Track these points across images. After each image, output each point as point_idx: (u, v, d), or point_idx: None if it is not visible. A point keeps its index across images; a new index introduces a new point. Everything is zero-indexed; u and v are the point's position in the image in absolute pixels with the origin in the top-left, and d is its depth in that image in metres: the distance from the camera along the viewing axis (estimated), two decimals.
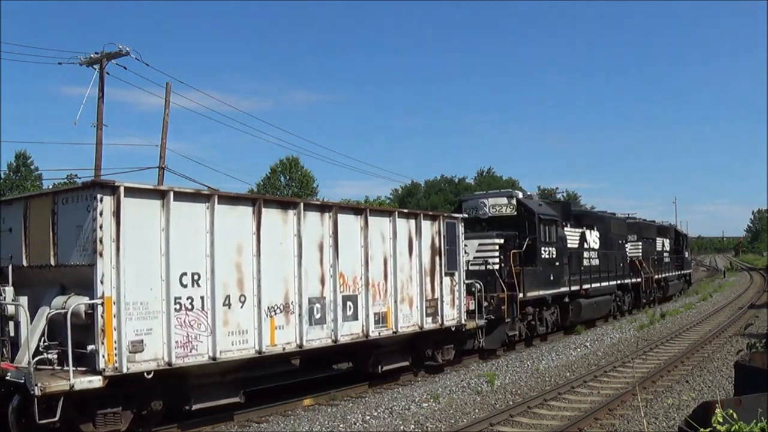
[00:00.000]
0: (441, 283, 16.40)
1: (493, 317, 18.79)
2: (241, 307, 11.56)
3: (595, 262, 26.96)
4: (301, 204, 13.00)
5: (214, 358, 10.94)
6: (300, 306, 12.58)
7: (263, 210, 12.04)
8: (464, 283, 17.38)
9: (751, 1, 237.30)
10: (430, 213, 17.01)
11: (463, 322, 17.23)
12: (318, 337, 13.06)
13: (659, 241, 38.02)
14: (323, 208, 13.65)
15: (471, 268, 19.07)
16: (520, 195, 22.33)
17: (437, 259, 16.35)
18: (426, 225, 16.07)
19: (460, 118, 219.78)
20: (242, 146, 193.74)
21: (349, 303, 13.81)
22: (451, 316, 16.84)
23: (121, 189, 9.90)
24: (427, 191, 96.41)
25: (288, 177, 69.69)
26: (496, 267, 19.64)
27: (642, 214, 47.36)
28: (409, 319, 15.39)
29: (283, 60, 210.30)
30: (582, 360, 18.35)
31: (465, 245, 18.69)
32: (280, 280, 12.34)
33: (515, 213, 21.62)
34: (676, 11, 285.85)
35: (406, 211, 16.53)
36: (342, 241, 13.64)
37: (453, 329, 17.00)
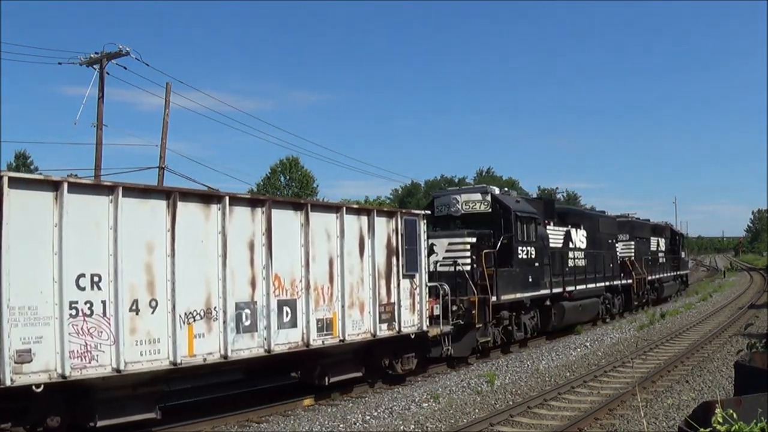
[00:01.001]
0: (398, 286, 14.89)
1: (462, 323, 17.24)
2: (152, 313, 10.27)
3: (582, 262, 25.34)
4: (227, 198, 11.51)
5: (118, 370, 9.73)
6: (225, 312, 11.20)
7: (180, 204, 10.73)
8: (427, 285, 15.84)
9: (751, 2, 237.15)
10: (385, 209, 15.63)
11: (424, 328, 15.61)
12: (247, 347, 11.63)
13: (654, 240, 36.48)
14: (254, 202, 12.21)
15: (440, 269, 17.77)
16: (497, 191, 20.84)
17: (394, 259, 14.89)
18: (381, 222, 14.63)
19: (460, 118, 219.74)
20: (242, 146, 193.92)
21: (286, 308, 12.39)
22: (410, 322, 15.25)
23: (5, 179, 8.90)
24: (427, 191, 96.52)
25: (288, 177, 69.80)
26: (467, 268, 18.03)
27: (642, 214, 45.79)
28: (359, 326, 13.95)
29: (283, 60, 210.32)
30: (582, 360, 18.32)
31: (433, 244, 17.85)
32: (201, 283, 11.00)
33: (490, 210, 20.06)
34: (677, 12, 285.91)
35: (356, 206, 15.18)
36: (278, 239, 12.25)
37: (413, 336, 15.36)
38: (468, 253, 18.27)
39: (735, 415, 4.41)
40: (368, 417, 12.03)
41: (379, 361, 15.26)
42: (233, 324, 11.38)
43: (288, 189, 67.98)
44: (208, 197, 11.50)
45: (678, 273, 42.43)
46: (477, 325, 17.63)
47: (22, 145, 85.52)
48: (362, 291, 14.12)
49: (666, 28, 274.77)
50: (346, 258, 13.72)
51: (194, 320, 10.86)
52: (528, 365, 17.08)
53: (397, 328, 14.87)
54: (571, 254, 24.47)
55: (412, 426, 11.56)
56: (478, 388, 14.30)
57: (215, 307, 11.16)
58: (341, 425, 11.57)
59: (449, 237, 18.65)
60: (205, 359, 10.98)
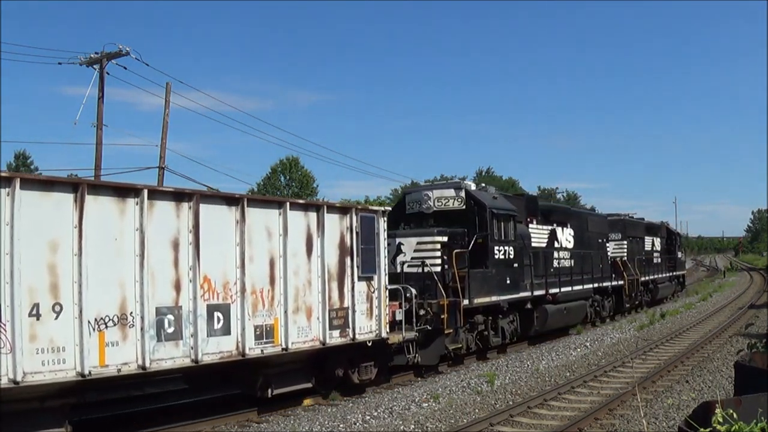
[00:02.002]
0: (353, 289, 13.64)
1: (429, 328, 15.84)
2: (56, 318, 9.19)
3: (568, 263, 23.79)
4: (145, 191, 10.39)
5: (15, 382, 8.75)
6: (143, 318, 10.04)
7: (88, 198, 9.66)
8: (387, 288, 14.50)
9: (751, 2, 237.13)
10: (338, 205, 14.15)
11: (383, 335, 14.33)
12: (170, 356, 10.43)
13: (648, 240, 35.14)
14: (179, 196, 11.00)
15: (407, 270, 16.63)
16: (473, 186, 19.42)
17: (348, 260, 13.64)
18: (332, 219, 13.44)
19: (460, 117, 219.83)
20: (242, 146, 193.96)
21: (217, 314, 11.11)
22: (366, 328, 14.00)
23: None
24: None
25: (288, 177, 69.80)
26: (437, 269, 16.76)
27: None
28: (306, 333, 12.68)
29: (284, 60, 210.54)
30: (582, 360, 18.30)
31: (401, 244, 16.86)
32: (114, 286, 9.88)
33: (464, 207, 18.62)
34: (677, 12, 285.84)
35: (302, 202, 13.78)
36: (207, 237, 11.01)
37: (369, 344, 14.13)
38: (438, 253, 17.06)
39: (735, 415, 4.41)
40: (368, 417, 12.00)
41: (333, 371, 13.89)
42: (153, 331, 10.20)
43: (288, 189, 67.99)
44: (122, 190, 10.31)
45: (674, 274, 41.10)
46: (447, 331, 16.26)
47: (22, 145, 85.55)
48: (310, 295, 12.85)
49: (665, 27, 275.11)
50: (291, 258, 12.46)
51: (106, 327, 9.70)
52: (528, 365, 17.05)
53: (350, 336, 13.61)
54: (556, 254, 23.10)
55: (412, 426, 11.54)
56: (478, 388, 14.28)
57: (131, 313, 10.00)
58: (341, 425, 11.53)
59: (418, 236, 17.45)
60: (119, 370, 9.83)
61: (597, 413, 11.89)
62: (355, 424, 11.64)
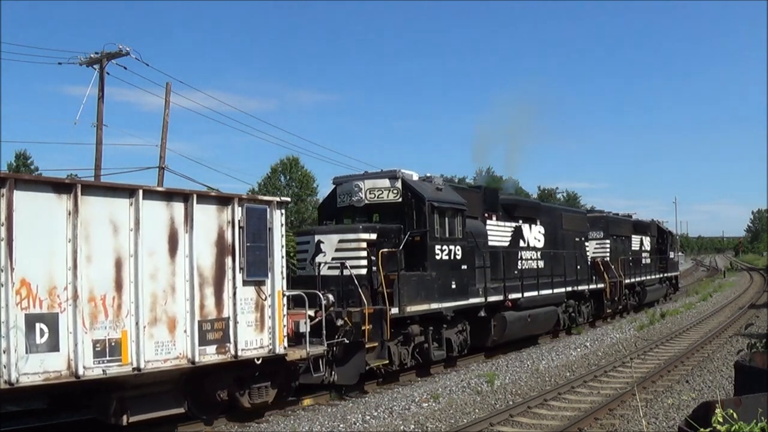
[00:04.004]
0: (235, 295, 11.26)
1: (347, 341, 13.64)
2: None
3: (537, 264, 21.31)
4: None
5: None
6: None
7: None
8: (285, 294, 12.18)
9: (751, 2, 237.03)
10: (214, 194, 11.98)
11: (279, 350, 11.89)
12: None
13: (636, 239, 32.76)
14: None
15: (326, 272, 14.37)
16: (416, 176, 16.73)
17: (229, 261, 11.29)
18: (206, 211, 11.09)
19: (460, 117, 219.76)
20: (243, 146, 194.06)
21: (40, 326, 9.04)
22: (255, 342, 11.57)
23: None
24: None
25: (288, 177, 69.74)
26: (363, 272, 14.50)
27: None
28: (168, 350, 10.36)
29: (287, 60, 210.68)
30: (582, 360, 18.31)
31: (321, 242, 14.75)
32: None
33: (400, 199, 16.05)
34: (678, 11, 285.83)
35: (162, 189, 11.45)
36: (26, 231, 8.99)
37: (258, 361, 11.67)
38: (363, 253, 14.70)
39: (735, 415, 4.42)
40: (368, 417, 11.98)
41: (213, 394, 11.64)
42: None
43: (288, 189, 67.95)
44: None
45: (666, 275, 38.41)
46: (369, 345, 13.90)
47: (22, 145, 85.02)
48: (173, 303, 10.49)
49: (666, 27, 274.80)
50: (147, 258, 10.23)
51: None
52: (528, 365, 17.04)
53: (232, 352, 11.16)
54: (522, 254, 20.61)
55: (412, 426, 11.52)
56: (478, 388, 14.27)
57: None
58: (341, 425, 11.51)
59: (339, 233, 15.05)
60: None
61: (597, 413, 11.89)
62: (355, 424, 11.62)
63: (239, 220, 11.52)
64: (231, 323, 11.23)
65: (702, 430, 4.41)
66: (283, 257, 12.29)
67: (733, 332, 23.18)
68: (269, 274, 11.89)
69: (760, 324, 24.60)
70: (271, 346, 11.84)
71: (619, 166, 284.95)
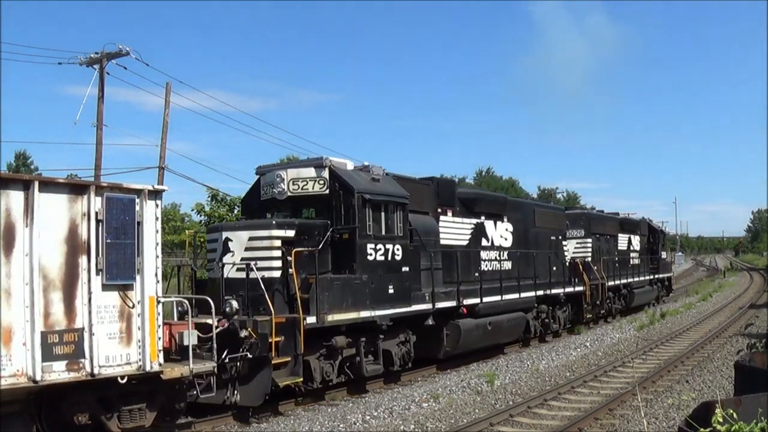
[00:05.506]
0: (90, 302, 9.43)
1: (251, 355, 11.73)
2: None
3: (502, 265, 19.20)
4: None
5: None
6: None
7: None
8: (159, 300, 10.18)
9: (751, 1, 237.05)
10: (63, 181, 9.84)
11: (151, 367, 9.95)
12: None
13: (623, 238, 30.43)
14: None
15: (232, 275, 12.62)
16: (350, 166, 14.80)
17: (84, 261, 9.48)
18: (53, 201, 9.31)
19: (460, 117, 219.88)
20: (243, 146, 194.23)
21: None
22: (120, 357, 9.71)
23: None
24: None
25: None
26: (276, 274, 12.70)
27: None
28: (2, 365, 8.64)
29: (289, 60, 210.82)
30: (582, 360, 18.30)
31: (229, 239, 12.95)
32: None
33: (327, 191, 14.04)
34: (678, 11, 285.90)
35: None
36: None
37: (124, 380, 9.72)
38: (277, 253, 12.83)
39: (735, 415, 4.42)
40: (368, 417, 11.97)
41: (72, 418, 9.63)
42: None
43: None
44: None
45: (657, 277, 35.58)
46: (278, 360, 12.05)
47: (22, 145, 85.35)
48: (8, 310, 8.79)
49: (666, 26, 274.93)
50: None
51: None
52: (528, 365, 17.03)
53: (87, 369, 9.33)
54: (483, 255, 18.50)
55: (412, 426, 11.52)
56: (478, 388, 14.28)
57: None
58: (341, 425, 11.51)
59: (249, 229, 13.15)
60: None
61: (597, 413, 11.88)
62: (355, 424, 11.61)
63: (97, 212, 9.63)
64: (86, 335, 9.39)
65: (702, 430, 4.41)
66: (158, 257, 10.30)
67: (733, 332, 23.16)
68: (137, 277, 9.98)
69: (760, 324, 24.58)
70: (140, 362, 9.91)
71: (619, 166, 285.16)
